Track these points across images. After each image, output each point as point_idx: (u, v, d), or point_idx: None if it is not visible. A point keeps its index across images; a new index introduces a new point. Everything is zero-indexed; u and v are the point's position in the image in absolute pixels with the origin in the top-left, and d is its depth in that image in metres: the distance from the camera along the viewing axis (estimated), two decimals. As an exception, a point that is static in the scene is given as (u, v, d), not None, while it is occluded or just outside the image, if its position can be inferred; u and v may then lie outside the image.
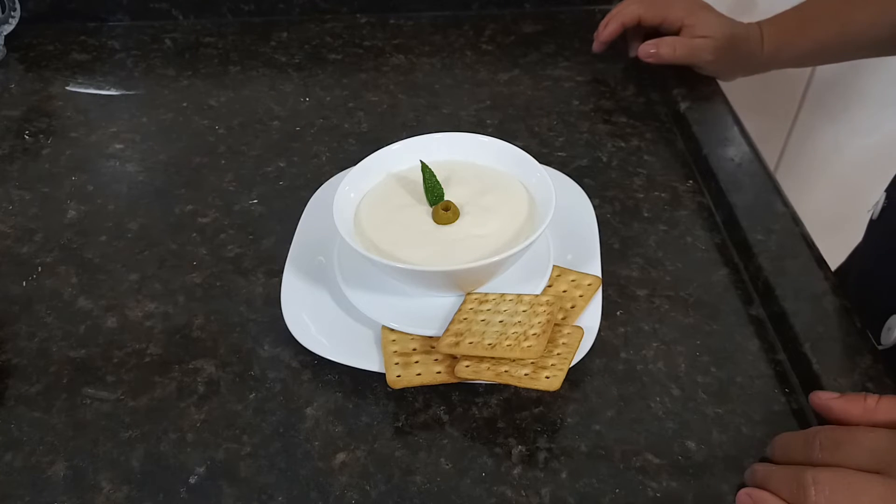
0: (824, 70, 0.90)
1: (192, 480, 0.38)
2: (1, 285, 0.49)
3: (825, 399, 0.37)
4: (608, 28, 0.67)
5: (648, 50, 0.64)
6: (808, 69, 0.90)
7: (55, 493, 0.38)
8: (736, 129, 0.60)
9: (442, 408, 0.41)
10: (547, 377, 0.39)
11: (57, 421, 0.41)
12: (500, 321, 0.42)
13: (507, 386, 0.42)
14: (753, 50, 0.63)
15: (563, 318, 0.43)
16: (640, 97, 0.66)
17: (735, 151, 0.57)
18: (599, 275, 0.45)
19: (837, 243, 0.64)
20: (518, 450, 0.40)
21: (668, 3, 0.65)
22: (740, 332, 0.45)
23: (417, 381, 0.41)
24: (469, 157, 0.48)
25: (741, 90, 0.72)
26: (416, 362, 0.41)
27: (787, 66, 0.66)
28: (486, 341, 0.40)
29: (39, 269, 0.50)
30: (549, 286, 0.45)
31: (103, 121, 0.65)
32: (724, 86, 0.67)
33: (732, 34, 0.62)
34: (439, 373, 0.41)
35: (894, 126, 0.95)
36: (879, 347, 0.47)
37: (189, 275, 0.50)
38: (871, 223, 0.59)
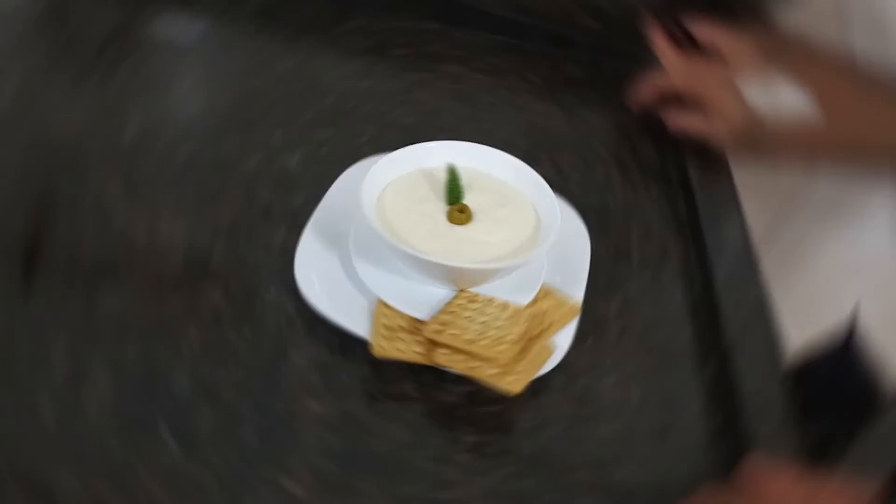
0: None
1: (177, 392, 0.42)
2: (52, 182, 0.52)
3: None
4: (643, 90, 0.71)
5: (672, 120, 0.68)
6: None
7: (56, 378, 0.41)
8: (735, 209, 0.63)
9: (412, 384, 0.45)
10: (510, 381, 0.43)
11: (69, 314, 0.44)
12: (483, 322, 0.45)
13: (474, 380, 0.45)
14: (769, 148, 0.67)
15: (538, 334, 0.46)
16: (657, 157, 0.69)
17: (728, 228, 0.61)
18: (580, 303, 0.49)
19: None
20: (470, 438, 0.43)
21: (704, 80, 0.68)
22: (693, 384, 0.49)
23: (397, 355, 0.44)
24: (493, 170, 0.51)
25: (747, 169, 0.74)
26: (401, 339, 0.45)
27: (799, 165, 0.70)
28: (466, 336, 0.44)
29: (90, 173, 0.53)
30: (535, 302, 0.48)
31: (178, 59, 0.67)
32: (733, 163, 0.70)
33: (752, 123, 0.66)
34: (418, 353, 0.44)
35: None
36: None
37: (221, 209, 0.52)
38: None
